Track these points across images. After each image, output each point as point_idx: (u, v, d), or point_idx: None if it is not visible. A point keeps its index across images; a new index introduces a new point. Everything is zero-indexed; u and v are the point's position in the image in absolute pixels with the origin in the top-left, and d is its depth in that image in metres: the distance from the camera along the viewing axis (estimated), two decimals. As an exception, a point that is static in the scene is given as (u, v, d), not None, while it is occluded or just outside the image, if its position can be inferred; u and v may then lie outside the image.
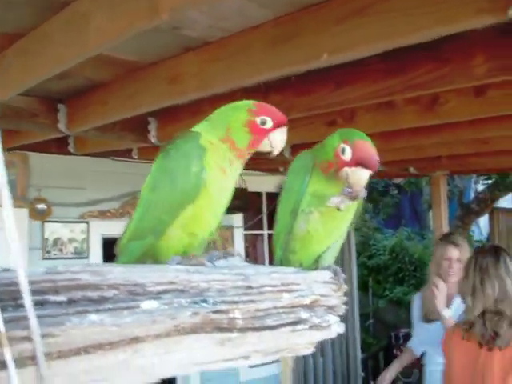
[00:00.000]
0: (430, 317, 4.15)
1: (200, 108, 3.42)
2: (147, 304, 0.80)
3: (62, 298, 0.73)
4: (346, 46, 2.28)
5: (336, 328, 1.07)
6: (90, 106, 3.44)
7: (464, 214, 9.55)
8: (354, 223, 1.46)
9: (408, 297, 10.02)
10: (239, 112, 1.36)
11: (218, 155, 1.26)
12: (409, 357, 4.54)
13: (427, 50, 2.72)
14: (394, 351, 8.26)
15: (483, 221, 11.72)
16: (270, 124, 1.35)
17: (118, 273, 0.80)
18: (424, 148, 4.83)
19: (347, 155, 1.36)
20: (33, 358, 0.69)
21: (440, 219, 6.89)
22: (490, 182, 9.06)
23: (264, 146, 1.35)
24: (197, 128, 1.34)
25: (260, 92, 3.23)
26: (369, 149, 1.38)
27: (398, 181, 11.14)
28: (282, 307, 0.96)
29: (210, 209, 1.20)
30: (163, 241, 1.21)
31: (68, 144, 4.59)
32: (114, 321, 0.76)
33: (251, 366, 6.37)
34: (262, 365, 6.56)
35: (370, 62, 2.88)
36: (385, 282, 10.47)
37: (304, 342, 1.01)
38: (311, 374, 6.84)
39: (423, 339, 4.27)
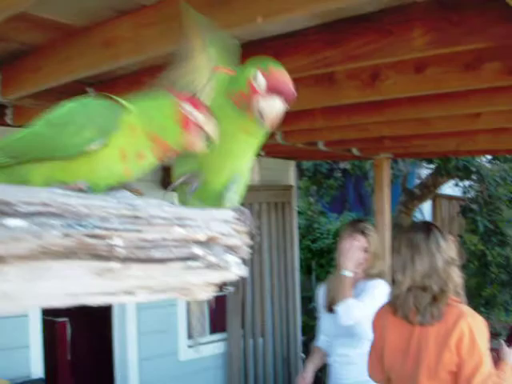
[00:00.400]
0: (332, 307, 4.04)
1: (139, 79, 3.33)
2: (12, 222, 0.71)
3: None
4: (281, 9, 2.22)
5: (236, 270, 1.00)
6: (25, 73, 3.32)
7: (407, 199, 9.62)
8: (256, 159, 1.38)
9: (350, 280, 10.06)
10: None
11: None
12: (320, 356, 4.39)
13: (368, 22, 2.68)
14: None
15: (426, 207, 11.84)
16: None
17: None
18: (366, 128, 4.80)
19: (261, 83, 1.24)
20: None
21: (382, 203, 6.91)
22: (432, 166, 9.12)
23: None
24: None
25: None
26: (283, 76, 1.27)
27: (343, 165, 11.17)
28: (173, 240, 0.88)
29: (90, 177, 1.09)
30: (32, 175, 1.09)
31: (5, 115, 4.43)
32: None
33: (190, 346, 6.33)
34: (205, 343, 6.52)
35: (308, 32, 2.83)
36: (328, 266, 10.47)
37: (199, 283, 0.93)
38: (250, 355, 6.80)
39: (327, 331, 4.22)
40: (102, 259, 0.79)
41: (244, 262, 1.02)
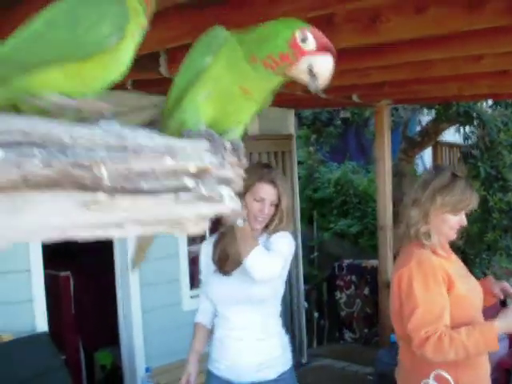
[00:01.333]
0: (226, 268, 3.38)
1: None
2: None
3: None
4: None
5: (230, 203, 0.96)
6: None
7: (408, 146, 9.56)
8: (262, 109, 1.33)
9: (352, 229, 10.10)
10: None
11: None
12: (204, 336, 3.68)
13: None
14: (337, 281, 8.35)
15: (427, 154, 11.80)
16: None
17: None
18: (367, 73, 4.73)
19: (310, 43, 1.19)
20: None
21: (383, 150, 6.88)
22: (433, 112, 9.05)
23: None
24: None
25: (195, 7, 3.08)
26: (323, 34, 1.24)
27: (343, 114, 11.09)
28: (163, 171, 0.84)
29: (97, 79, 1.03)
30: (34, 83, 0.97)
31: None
32: None
33: (192, 296, 6.35)
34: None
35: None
36: (329, 215, 10.50)
37: (191, 216, 0.90)
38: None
39: (220, 298, 3.44)
40: (87, 190, 0.75)
41: (238, 195, 0.99)
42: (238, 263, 3.26)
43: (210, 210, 0.92)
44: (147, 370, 5.37)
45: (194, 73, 1.21)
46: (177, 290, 6.22)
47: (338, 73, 4.06)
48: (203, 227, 0.94)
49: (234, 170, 0.97)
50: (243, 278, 3.24)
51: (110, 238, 0.79)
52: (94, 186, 0.75)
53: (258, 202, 3.22)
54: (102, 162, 0.75)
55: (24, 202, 0.69)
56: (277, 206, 3.29)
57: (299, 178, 9.91)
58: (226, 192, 0.94)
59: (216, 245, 3.46)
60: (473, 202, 3.12)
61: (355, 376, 6.89)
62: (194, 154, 0.89)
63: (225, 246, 3.37)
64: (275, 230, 3.35)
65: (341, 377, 6.78)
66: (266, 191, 3.24)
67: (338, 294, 8.41)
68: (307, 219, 10.31)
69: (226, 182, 0.95)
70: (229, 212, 0.95)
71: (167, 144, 0.85)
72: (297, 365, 7.27)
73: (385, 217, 6.79)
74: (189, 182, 0.87)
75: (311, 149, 11.04)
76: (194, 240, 6.59)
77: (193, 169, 0.88)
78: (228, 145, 1.00)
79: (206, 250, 3.55)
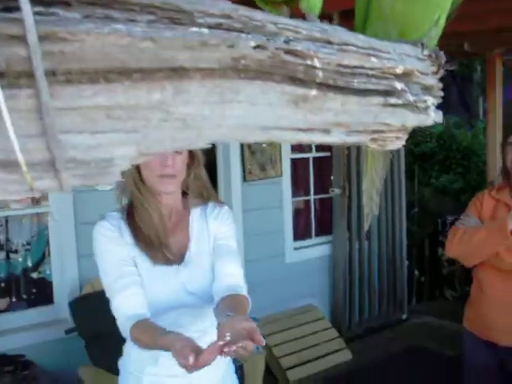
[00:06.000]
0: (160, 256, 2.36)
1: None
2: (195, 29, 0.58)
3: (75, 14, 0.52)
4: None
5: (433, 114, 0.85)
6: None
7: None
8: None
9: (454, 185, 9.81)
10: None
11: None
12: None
13: None
14: (440, 238, 8.13)
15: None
16: None
17: (152, -9, 0.57)
18: (481, 17, 4.47)
19: None
20: (29, 76, 0.49)
21: (494, 103, 6.58)
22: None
23: None
24: None
25: None
26: None
27: (449, 67, 10.69)
28: (372, 69, 0.74)
29: None
30: None
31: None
32: (148, 34, 0.54)
33: (296, 248, 6.32)
34: (311, 246, 6.51)
35: None
36: (431, 170, 10.21)
37: (396, 124, 0.79)
38: (356, 258, 6.74)
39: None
40: (298, 84, 0.65)
41: (437, 106, 0.88)
42: (179, 246, 2.38)
43: (415, 120, 0.81)
44: (254, 319, 5.37)
45: None
46: (281, 241, 6.18)
47: (450, 17, 3.83)
48: (403, 141, 0.84)
49: (434, 79, 0.86)
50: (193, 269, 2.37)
51: (311, 142, 0.69)
52: (306, 79, 0.65)
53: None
54: (314, 52, 0.65)
55: (230, 92, 0.59)
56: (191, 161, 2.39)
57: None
58: (431, 101, 0.83)
59: (130, 224, 2.35)
60: None
61: (455, 334, 6.72)
62: (398, 57, 0.78)
63: (145, 222, 2.33)
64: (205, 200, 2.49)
65: (441, 334, 6.62)
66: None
67: (440, 251, 8.20)
68: (408, 174, 10.07)
69: (429, 90, 0.84)
70: (432, 123, 0.84)
71: (371, 43, 0.75)
72: (397, 321, 7.19)
73: (495, 172, 6.52)
74: (398, 84, 0.76)
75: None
76: (298, 191, 6.53)
77: (400, 71, 0.77)
78: (428, 51, 0.88)
79: (113, 235, 2.32)
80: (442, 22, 1.10)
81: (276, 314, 5.91)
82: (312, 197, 6.64)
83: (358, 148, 6.60)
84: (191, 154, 2.33)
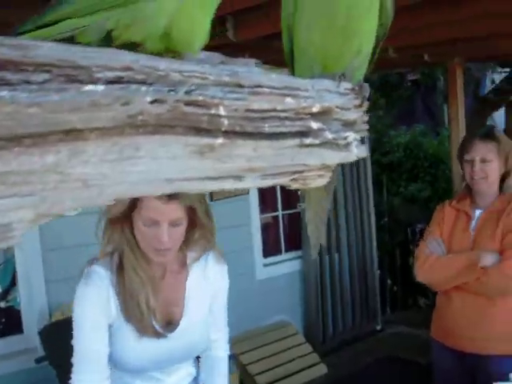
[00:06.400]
0: (150, 328, 2.14)
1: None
2: (91, 87, 0.56)
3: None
4: None
5: (356, 149, 0.84)
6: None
7: (481, 107, 9.24)
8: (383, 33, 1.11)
9: (422, 193, 9.86)
10: None
11: None
12: None
13: None
14: (411, 247, 8.17)
15: (498, 117, 11.42)
16: None
17: (49, 50, 0.55)
18: (439, 28, 4.50)
19: None
20: None
21: (456, 111, 6.61)
22: (507, 70, 8.69)
23: None
24: None
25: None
26: None
27: (411, 76, 10.80)
28: (284, 111, 0.72)
29: None
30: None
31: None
32: (34, 99, 0.52)
33: (266, 265, 6.30)
34: (281, 261, 6.50)
35: None
36: (399, 180, 10.27)
37: (315, 164, 0.78)
38: (327, 271, 6.74)
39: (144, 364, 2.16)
40: (203, 134, 0.63)
41: (362, 141, 0.87)
42: (170, 318, 2.19)
43: (336, 158, 0.80)
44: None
45: None
46: (250, 258, 6.16)
47: (408, 30, 3.86)
48: (326, 178, 0.82)
49: (358, 113, 0.85)
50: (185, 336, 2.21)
51: (223, 190, 0.67)
52: (211, 128, 0.64)
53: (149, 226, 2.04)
54: (220, 99, 0.64)
55: (129, 149, 0.58)
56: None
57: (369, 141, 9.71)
58: (353, 136, 0.82)
59: (118, 287, 2.09)
60: None
61: (429, 342, 6.73)
62: (316, 94, 0.77)
63: (136, 290, 2.08)
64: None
65: (415, 343, 6.63)
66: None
67: (411, 260, 8.23)
68: (376, 184, 10.11)
69: (350, 125, 0.83)
70: (355, 159, 0.83)
71: (286, 82, 0.73)
72: (371, 332, 7.20)
73: (460, 179, 6.57)
74: (314, 124, 0.75)
75: (380, 112, 10.80)
76: (266, 207, 6.52)
77: (317, 109, 0.75)
78: (350, 85, 0.86)
79: (99, 302, 2.08)
80: (367, 50, 1.06)
81: (249, 331, 5.88)
82: (280, 212, 6.63)
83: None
84: (192, 220, 2.11)
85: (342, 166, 6.81)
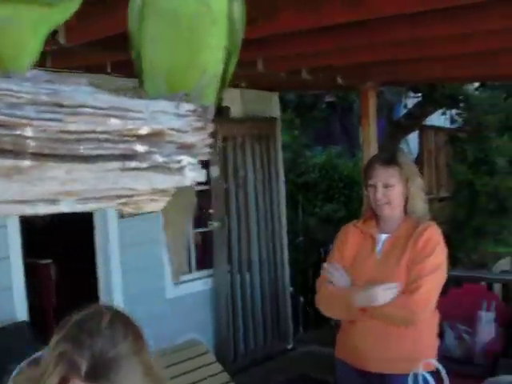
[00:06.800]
0: None
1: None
2: None
3: None
4: None
5: (191, 173, 0.81)
6: None
7: (393, 130, 9.46)
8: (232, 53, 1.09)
9: (337, 214, 9.99)
10: None
11: None
12: None
13: None
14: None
15: (413, 140, 11.70)
16: None
17: None
18: (351, 53, 4.59)
19: None
20: None
21: (369, 134, 6.73)
22: (419, 95, 8.93)
23: None
24: None
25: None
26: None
27: (328, 98, 10.96)
28: (106, 133, 0.70)
29: None
30: None
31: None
32: None
33: (176, 283, 6.24)
34: (192, 280, 6.44)
35: None
36: (315, 200, 10.38)
37: (144, 188, 0.76)
38: (238, 290, 6.73)
39: None
40: (8, 155, 0.61)
41: (203, 164, 0.84)
42: None
43: (168, 182, 0.78)
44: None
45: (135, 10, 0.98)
46: (160, 276, 6.09)
47: (321, 52, 3.91)
48: (161, 203, 0.80)
49: (198, 136, 0.82)
50: None
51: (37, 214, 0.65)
52: (17, 150, 0.61)
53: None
54: (30, 121, 0.61)
55: None
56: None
57: (284, 162, 9.77)
58: (187, 160, 0.80)
59: None
60: None
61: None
62: (149, 116, 0.74)
63: None
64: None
65: (325, 362, 6.67)
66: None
67: (323, 280, 8.29)
68: (292, 204, 10.19)
69: (188, 148, 0.81)
70: (190, 184, 0.80)
71: (114, 103, 0.71)
72: (283, 351, 7.21)
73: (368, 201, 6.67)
74: (139, 147, 0.73)
75: (296, 132, 10.90)
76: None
77: (145, 131, 0.73)
78: (192, 106, 0.84)
79: None
80: (215, 67, 1.03)
81: (158, 351, 5.78)
82: (191, 231, 6.58)
83: (237, 181, 6.63)
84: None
85: (255, 184, 6.84)
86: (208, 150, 0.84)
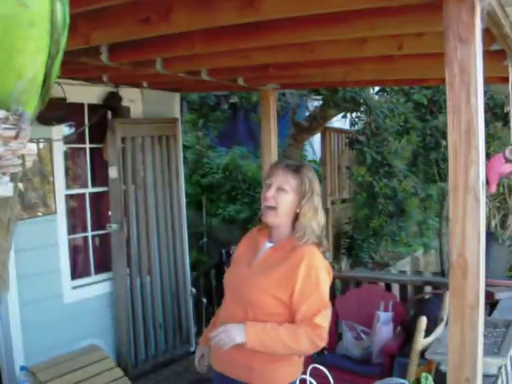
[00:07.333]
0: None
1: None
2: None
3: None
4: None
5: None
6: None
7: (296, 132, 9.54)
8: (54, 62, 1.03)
9: (241, 215, 10.02)
10: None
11: None
12: None
13: None
14: (225, 268, 8.23)
15: (316, 140, 11.85)
16: None
17: None
18: (248, 54, 4.57)
19: None
20: None
21: (269, 135, 6.73)
22: (320, 97, 9.01)
23: None
24: None
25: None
26: None
27: (232, 99, 10.96)
28: None
29: None
30: None
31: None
32: None
33: (75, 287, 6.09)
34: (90, 284, 6.30)
35: None
36: (218, 201, 10.38)
37: None
38: (138, 294, 6.63)
39: None
40: None
41: (11, 176, 0.78)
42: None
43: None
44: (22, 368, 5.09)
45: None
46: (57, 281, 5.91)
47: (219, 54, 3.88)
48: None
49: (7, 146, 0.77)
50: None
51: None
52: None
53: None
54: None
55: None
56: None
57: (187, 162, 9.72)
58: None
59: None
60: None
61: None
62: None
63: None
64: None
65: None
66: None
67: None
68: (196, 205, 10.16)
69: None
70: None
71: None
72: (185, 353, 7.14)
73: (271, 202, 6.69)
74: None
75: (199, 133, 10.87)
76: (76, 228, 6.32)
77: None
78: (4, 113, 0.78)
79: None
80: (33, 71, 0.96)
81: (57, 357, 5.63)
82: (90, 233, 6.43)
83: (135, 182, 6.54)
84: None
85: (155, 186, 6.76)
86: (18, 161, 0.77)
